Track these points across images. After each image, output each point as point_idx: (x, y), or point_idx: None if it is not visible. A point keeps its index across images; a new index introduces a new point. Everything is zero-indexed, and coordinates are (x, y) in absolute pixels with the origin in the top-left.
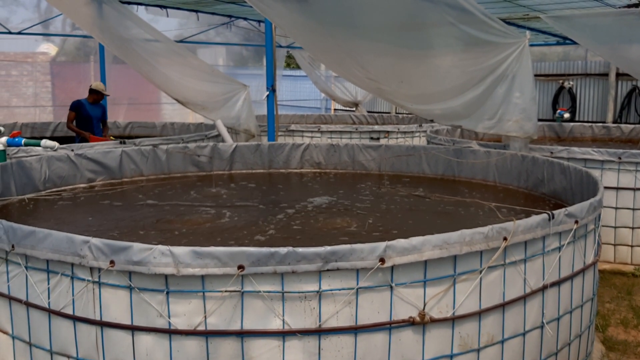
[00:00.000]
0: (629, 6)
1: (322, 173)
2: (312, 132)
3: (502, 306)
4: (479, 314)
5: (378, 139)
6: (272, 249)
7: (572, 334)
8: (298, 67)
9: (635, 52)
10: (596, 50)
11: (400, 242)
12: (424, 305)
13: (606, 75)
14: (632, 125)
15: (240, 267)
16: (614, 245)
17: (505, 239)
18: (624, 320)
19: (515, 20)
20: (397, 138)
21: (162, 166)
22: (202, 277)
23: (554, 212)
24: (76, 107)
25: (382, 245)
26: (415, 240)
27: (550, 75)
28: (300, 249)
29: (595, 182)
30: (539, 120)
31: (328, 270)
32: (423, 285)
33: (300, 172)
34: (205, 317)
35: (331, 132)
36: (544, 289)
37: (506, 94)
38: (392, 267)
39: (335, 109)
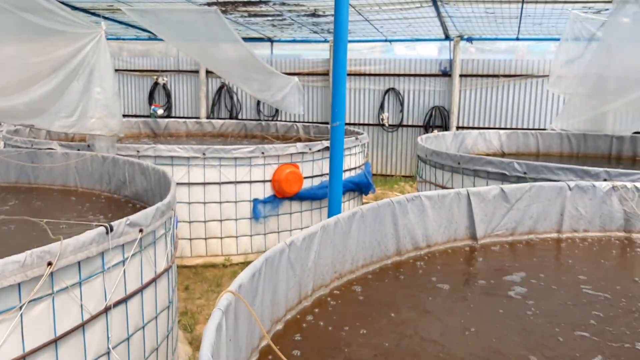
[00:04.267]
0: (209, 4)
1: None
2: None
3: (54, 342)
4: (24, 359)
5: None
6: None
7: (148, 350)
8: None
9: (217, 52)
10: (182, 47)
11: None
12: None
13: (197, 72)
14: (222, 120)
15: None
16: (205, 239)
17: (50, 263)
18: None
19: (100, 11)
20: None
21: None
22: None
23: (113, 223)
24: None
25: None
26: None
27: (146, 70)
28: None
29: (169, 183)
30: (136, 116)
31: None
32: None
33: None
34: None
35: None
36: (107, 310)
37: (85, 89)
38: None
39: None
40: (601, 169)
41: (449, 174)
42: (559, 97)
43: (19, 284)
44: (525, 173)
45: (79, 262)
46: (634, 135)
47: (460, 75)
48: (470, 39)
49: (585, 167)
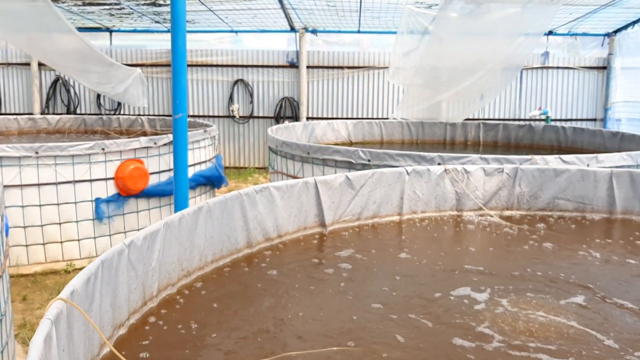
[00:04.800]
0: None
1: None
2: None
3: None
4: None
5: None
6: None
7: None
8: None
9: (49, 43)
10: (8, 39)
11: None
12: None
13: (28, 64)
14: (59, 116)
15: None
16: (44, 244)
17: None
18: None
19: None
20: None
21: None
22: None
23: None
24: None
25: None
26: None
27: None
28: None
29: None
30: None
31: None
32: None
33: None
34: None
35: None
36: None
37: None
38: None
39: None
40: (435, 154)
41: (300, 164)
42: (399, 87)
43: None
44: (369, 160)
45: None
46: (464, 122)
47: (308, 67)
48: (314, 31)
49: (421, 153)
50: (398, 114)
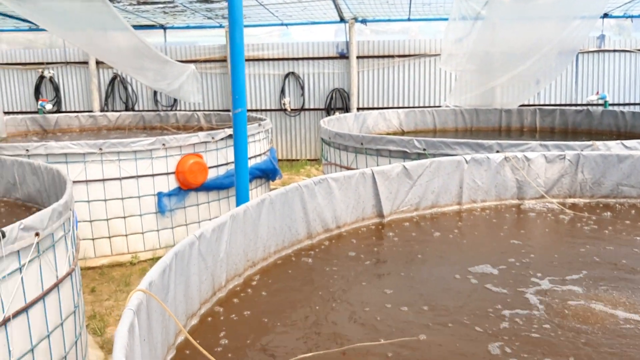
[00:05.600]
0: None
1: None
2: None
3: None
4: None
5: None
6: None
7: (55, 358)
8: None
9: (106, 41)
10: (67, 38)
11: None
12: None
13: (86, 63)
14: (118, 113)
15: None
16: (109, 237)
17: None
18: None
19: None
20: None
21: None
22: None
23: (5, 229)
24: None
25: None
26: None
27: (29, 63)
28: None
29: (64, 182)
30: (22, 113)
31: None
32: None
33: None
34: None
35: None
36: (5, 322)
37: None
38: None
39: None
40: (493, 142)
41: (353, 154)
42: (451, 74)
43: None
44: (424, 149)
45: None
46: (520, 108)
47: (358, 57)
48: (364, 21)
49: (479, 141)
50: (451, 101)
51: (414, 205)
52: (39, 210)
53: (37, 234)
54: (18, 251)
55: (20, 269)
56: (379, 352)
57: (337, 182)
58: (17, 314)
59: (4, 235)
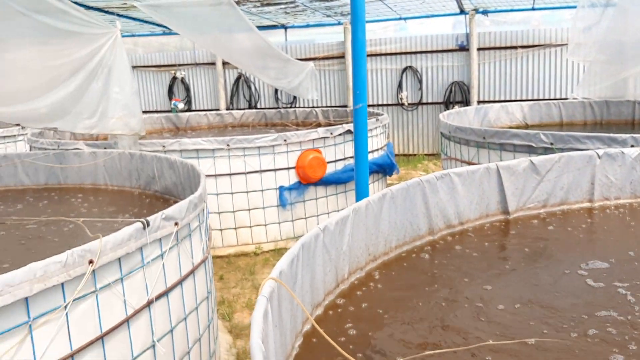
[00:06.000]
0: None
1: None
2: None
3: (101, 338)
4: (72, 357)
5: None
6: None
7: (191, 341)
8: None
9: (232, 42)
10: (197, 40)
11: None
12: None
13: (214, 64)
14: (242, 111)
15: None
16: (235, 228)
17: (91, 261)
18: (248, 302)
19: (115, 9)
20: None
21: None
22: None
23: (149, 218)
24: None
25: None
26: None
27: (163, 65)
28: None
29: (199, 175)
30: (157, 112)
31: None
32: None
33: None
34: None
35: None
36: (149, 304)
37: (104, 89)
38: None
39: None
40: (628, 135)
41: (475, 149)
42: (578, 65)
43: (62, 284)
44: (552, 144)
45: (119, 259)
46: None
47: (478, 49)
48: (485, 12)
49: (612, 134)
50: (579, 93)
51: (542, 202)
52: (175, 202)
53: (176, 224)
54: (160, 239)
55: (161, 255)
56: (507, 351)
57: (460, 177)
58: (159, 297)
59: (148, 224)
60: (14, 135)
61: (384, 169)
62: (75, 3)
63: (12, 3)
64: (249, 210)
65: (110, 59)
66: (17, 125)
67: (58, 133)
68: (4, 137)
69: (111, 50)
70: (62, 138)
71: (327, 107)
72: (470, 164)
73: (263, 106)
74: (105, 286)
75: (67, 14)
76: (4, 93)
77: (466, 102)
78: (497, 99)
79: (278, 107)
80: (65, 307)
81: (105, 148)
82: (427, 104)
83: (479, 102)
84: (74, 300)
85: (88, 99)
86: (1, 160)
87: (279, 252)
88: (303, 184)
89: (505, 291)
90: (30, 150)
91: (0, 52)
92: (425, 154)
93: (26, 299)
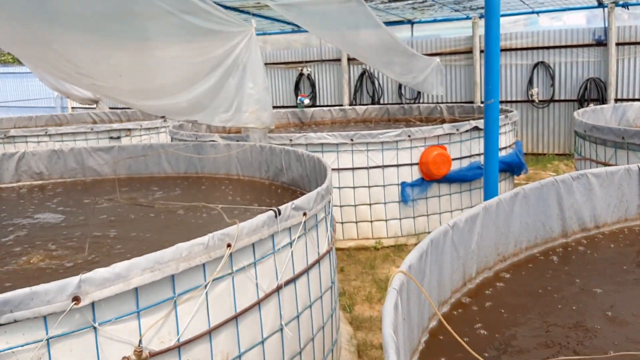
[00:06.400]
0: None
1: (43, 185)
2: (38, 136)
3: (235, 318)
4: (209, 334)
5: (119, 137)
6: None
7: (315, 328)
8: (21, 63)
9: (359, 38)
10: (325, 37)
11: (99, 273)
12: (140, 340)
13: (339, 60)
14: (365, 106)
15: None
16: (356, 222)
17: (229, 245)
18: (368, 296)
19: (249, 9)
20: (140, 136)
21: None
22: None
23: (280, 207)
24: None
25: (74, 280)
26: (119, 267)
27: (290, 62)
28: None
29: (325, 169)
30: (284, 107)
31: (2, 325)
32: (137, 316)
33: (16, 186)
34: None
35: (62, 134)
36: (278, 289)
37: (239, 84)
38: (93, 304)
39: (73, 107)
40: None
41: (612, 149)
42: None
43: (203, 264)
44: None
45: (253, 244)
46: None
47: (617, 44)
48: (626, 4)
49: None
50: None
51: None
52: (302, 193)
53: (304, 214)
54: (289, 228)
55: (290, 243)
56: None
57: (598, 178)
58: (287, 283)
59: (280, 213)
60: (157, 127)
61: (512, 168)
62: (215, 3)
63: (162, 3)
64: (370, 205)
65: (246, 56)
66: (162, 117)
67: (195, 126)
68: (149, 128)
69: (246, 47)
70: (199, 131)
71: (452, 103)
72: (606, 165)
73: (386, 102)
74: (240, 269)
75: (210, 13)
76: (152, 88)
77: (602, 100)
78: (636, 97)
79: (401, 103)
80: (206, 286)
81: (237, 141)
82: (559, 101)
83: (617, 100)
84: (213, 280)
85: (225, 94)
86: (147, 150)
87: (399, 248)
88: (426, 180)
89: None
90: (172, 141)
91: (150, 50)
92: (556, 154)
93: (172, 276)
